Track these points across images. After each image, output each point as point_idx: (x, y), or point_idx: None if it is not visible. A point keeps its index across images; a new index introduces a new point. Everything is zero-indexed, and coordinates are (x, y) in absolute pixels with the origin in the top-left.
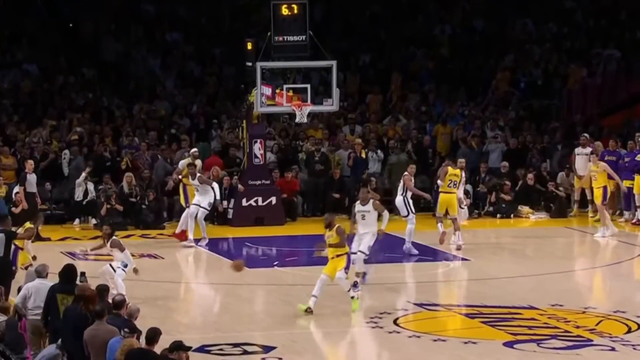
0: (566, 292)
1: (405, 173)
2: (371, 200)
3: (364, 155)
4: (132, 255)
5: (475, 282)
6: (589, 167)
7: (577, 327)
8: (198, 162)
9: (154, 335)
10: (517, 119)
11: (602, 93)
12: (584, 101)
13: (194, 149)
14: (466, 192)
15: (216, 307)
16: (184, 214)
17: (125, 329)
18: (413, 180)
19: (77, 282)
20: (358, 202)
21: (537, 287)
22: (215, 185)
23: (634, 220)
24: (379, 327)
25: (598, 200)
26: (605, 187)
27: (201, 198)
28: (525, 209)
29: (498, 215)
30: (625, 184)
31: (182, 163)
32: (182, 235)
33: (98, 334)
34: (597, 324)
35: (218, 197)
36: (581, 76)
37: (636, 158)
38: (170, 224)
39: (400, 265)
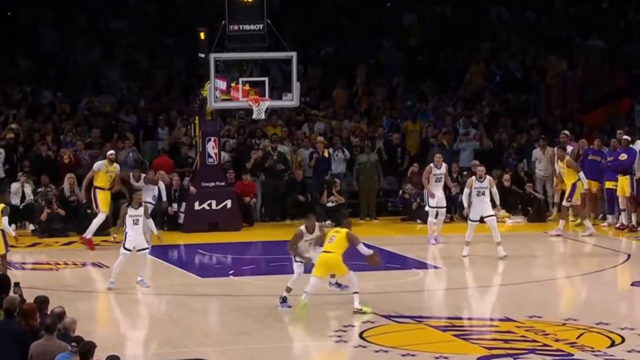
0: (545, 303)
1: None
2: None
3: (326, 155)
4: (74, 265)
5: (447, 292)
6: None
7: (557, 340)
8: (116, 167)
9: (87, 349)
10: (492, 115)
11: (584, 87)
12: (564, 96)
13: (111, 151)
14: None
15: (165, 320)
16: (95, 220)
17: (73, 343)
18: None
19: (11, 293)
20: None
21: (514, 297)
22: (162, 184)
23: (617, 225)
24: (344, 341)
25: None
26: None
27: (144, 194)
28: (501, 212)
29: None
30: (607, 185)
31: (99, 165)
32: (91, 243)
33: (48, 350)
34: (578, 337)
35: (164, 197)
36: (561, 69)
37: (619, 157)
38: (116, 229)
39: (366, 274)
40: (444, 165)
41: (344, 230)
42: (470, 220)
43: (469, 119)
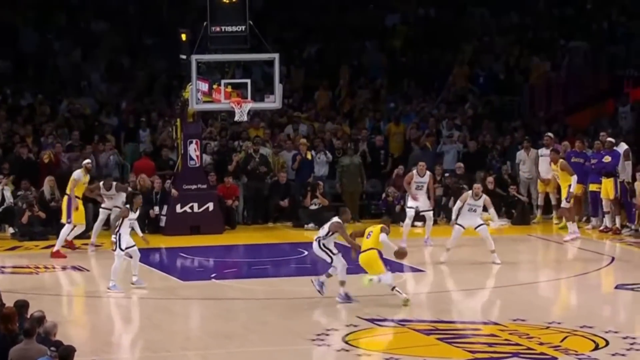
0: (529, 306)
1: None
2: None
3: (309, 157)
4: (54, 268)
5: (430, 295)
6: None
7: (541, 343)
8: (87, 177)
9: (67, 354)
10: (476, 117)
11: (568, 89)
12: (548, 97)
13: (87, 160)
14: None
15: (146, 324)
16: (63, 230)
17: (52, 348)
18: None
19: None
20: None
21: (498, 301)
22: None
23: (601, 228)
24: (327, 345)
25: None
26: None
27: (112, 201)
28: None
29: None
30: (591, 187)
31: (78, 175)
32: (60, 255)
33: (27, 354)
34: (562, 341)
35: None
36: (545, 70)
37: (603, 160)
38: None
39: (349, 277)
40: (427, 173)
41: (379, 226)
42: (458, 224)
43: (453, 120)
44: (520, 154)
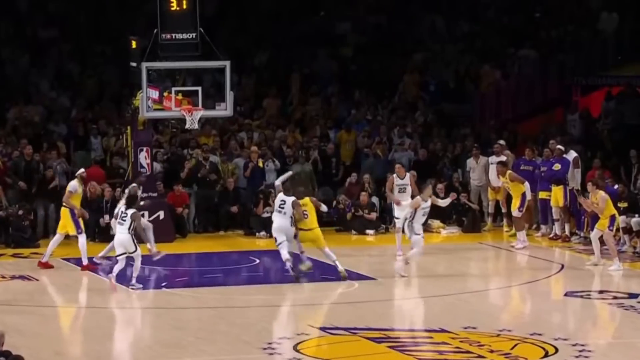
0: (479, 314)
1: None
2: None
3: (261, 165)
4: (2, 278)
5: (381, 303)
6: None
7: (491, 351)
8: (82, 187)
9: None
10: (426, 124)
11: (517, 97)
12: (498, 105)
13: (82, 170)
14: (372, 205)
15: (97, 334)
16: (54, 240)
17: (1, 358)
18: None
19: None
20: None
21: (449, 309)
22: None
23: (551, 235)
24: (278, 354)
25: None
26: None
27: None
28: (435, 223)
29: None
30: (541, 195)
31: (74, 186)
32: (48, 265)
33: None
34: (512, 348)
35: None
36: (495, 78)
37: (553, 167)
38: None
39: (299, 286)
40: (407, 174)
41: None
42: (416, 234)
43: (404, 128)
44: (470, 162)
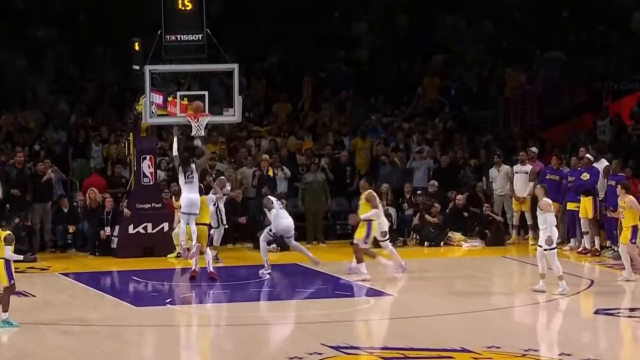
0: (504, 332)
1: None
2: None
3: (271, 174)
4: None
5: (399, 321)
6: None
7: None
8: None
9: None
10: (447, 131)
11: (544, 102)
12: (523, 111)
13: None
14: (388, 216)
15: (97, 353)
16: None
17: None
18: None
19: None
20: None
21: (471, 327)
22: None
23: (580, 249)
24: None
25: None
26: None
27: None
28: (456, 235)
29: (425, 243)
30: (569, 206)
31: None
32: None
33: None
34: None
35: None
36: (520, 82)
37: (581, 177)
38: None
39: (312, 302)
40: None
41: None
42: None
43: (423, 135)
44: (492, 171)
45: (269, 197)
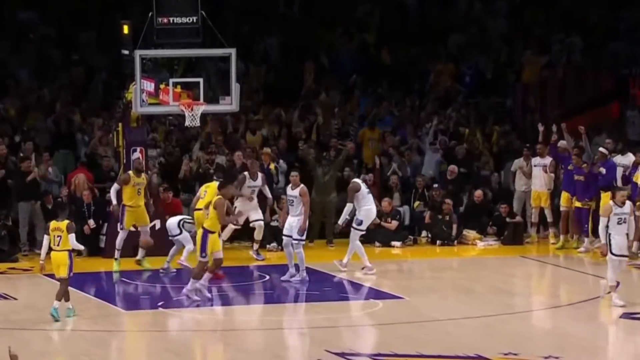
0: (522, 337)
1: None
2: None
3: (272, 167)
4: None
5: (410, 325)
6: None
7: None
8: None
9: None
10: (461, 120)
11: (566, 89)
12: (543, 99)
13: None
14: (395, 213)
15: None
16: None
17: None
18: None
19: None
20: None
21: (486, 331)
22: None
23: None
24: None
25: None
26: None
27: None
28: (471, 234)
29: (438, 242)
30: (576, 204)
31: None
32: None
33: None
34: None
35: None
36: (539, 68)
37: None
38: (31, 255)
39: (317, 305)
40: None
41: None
42: (614, 255)
43: (436, 125)
44: (519, 163)
45: (356, 180)
